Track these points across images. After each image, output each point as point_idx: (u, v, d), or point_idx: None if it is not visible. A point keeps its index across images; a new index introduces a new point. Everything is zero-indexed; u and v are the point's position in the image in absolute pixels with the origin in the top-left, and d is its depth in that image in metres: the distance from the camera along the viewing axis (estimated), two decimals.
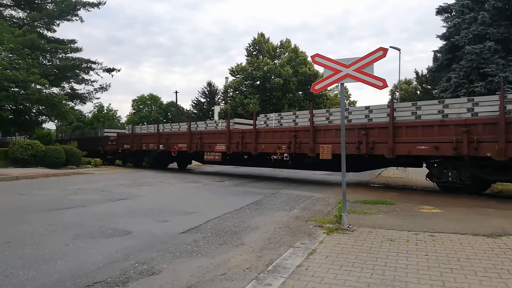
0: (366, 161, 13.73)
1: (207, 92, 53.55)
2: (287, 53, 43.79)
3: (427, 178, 12.91)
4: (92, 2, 29.02)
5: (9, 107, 23.20)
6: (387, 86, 6.77)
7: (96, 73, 31.27)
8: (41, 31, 29.45)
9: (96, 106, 43.04)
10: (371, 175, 18.85)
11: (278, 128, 15.54)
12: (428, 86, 36.10)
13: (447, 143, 11.15)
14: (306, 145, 14.26)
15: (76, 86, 31.52)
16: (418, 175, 19.17)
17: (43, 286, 3.89)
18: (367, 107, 13.13)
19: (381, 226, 6.81)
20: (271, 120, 16.10)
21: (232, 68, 43.97)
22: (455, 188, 11.95)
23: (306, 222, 7.32)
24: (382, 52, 6.67)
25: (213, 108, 49.88)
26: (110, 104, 76.20)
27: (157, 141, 21.21)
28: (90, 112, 42.98)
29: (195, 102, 54.08)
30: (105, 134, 27.60)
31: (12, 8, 28.43)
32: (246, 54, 44.85)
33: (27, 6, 28.87)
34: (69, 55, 30.16)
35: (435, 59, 25.56)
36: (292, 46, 44.25)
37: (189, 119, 20.24)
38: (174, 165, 24.27)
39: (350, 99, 62.19)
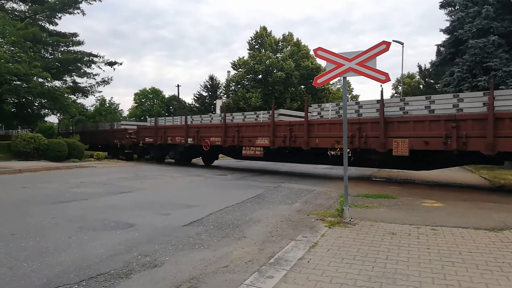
0: (453, 157, 12.07)
1: (209, 86, 53.54)
2: (289, 47, 43.59)
3: None
4: None
5: (12, 100, 23.23)
6: (390, 80, 6.75)
7: (98, 66, 31.22)
8: (42, 24, 29.36)
9: (98, 100, 43.02)
10: (373, 169, 18.82)
11: (336, 120, 13.60)
12: (431, 80, 35.97)
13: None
14: (374, 140, 12.53)
15: (78, 79, 31.49)
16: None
17: (47, 278, 3.92)
18: (455, 95, 11.63)
19: (382, 220, 6.82)
20: (327, 111, 14.18)
21: (234, 61, 43.82)
22: None
23: (308, 215, 7.34)
24: (385, 46, 6.64)
25: (215, 102, 49.93)
26: (112, 97, 75.92)
27: (185, 134, 19.48)
28: (92, 106, 43.02)
29: (197, 96, 54.11)
30: (122, 126, 26.29)
31: (14, 1, 28.31)
32: (248, 48, 44.67)
33: None
34: (71, 48, 30.10)
35: (438, 53, 25.49)
36: (295, 40, 44.02)
37: (224, 110, 18.44)
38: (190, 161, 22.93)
39: (352, 93, 62.09)
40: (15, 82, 21.23)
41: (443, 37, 23.91)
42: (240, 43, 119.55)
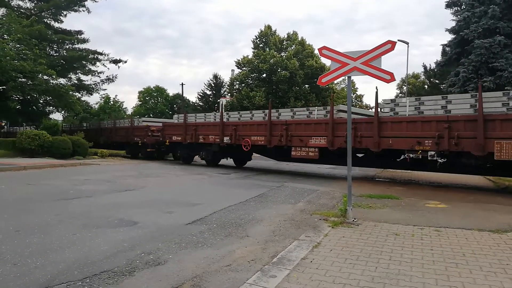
0: None
1: (213, 85, 53.53)
2: (294, 46, 43.54)
3: None
4: None
5: (17, 97, 23.37)
6: (395, 80, 6.72)
7: (103, 64, 31.37)
8: (48, 21, 29.51)
9: (103, 98, 43.12)
10: (376, 170, 18.77)
11: (417, 117, 11.88)
12: (436, 81, 35.77)
13: None
14: (469, 141, 10.79)
15: (82, 77, 31.68)
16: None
17: (51, 275, 3.94)
18: None
19: (386, 220, 6.81)
20: (403, 107, 12.33)
21: (238, 60, 43.84)
22: None
23: (311, 215, 7.33)
24: (390, 45, 6.61)
25: (218, 100, 49.92)
26: (116, 95, 76.25)
27: (220, 132, 17.67)
28: (96, 103, 43.13)
29: (201, 94, 54.10)
30: (144, 123, 24.63)
31: None
32: (253, 47, 44.68)
33: None
34: (76, 46, 30.22)
35: (444, 53, 25.32)
36: (299, 39, 43.97)
37: (270, 106, 16.48)
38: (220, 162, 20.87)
39: (357, 92, 61.89)
40: (20, 79, 21.34)
41: (449, 36, 23.73)
42: (245, 42, 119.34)
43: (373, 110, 13.65)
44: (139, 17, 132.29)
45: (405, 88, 38.37)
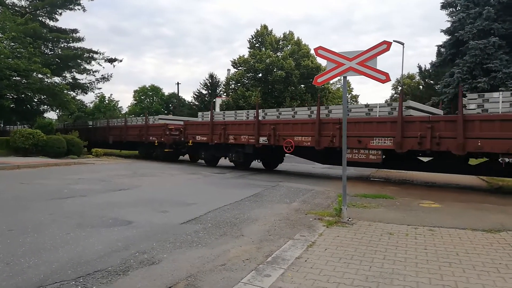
0: None
1: (209, 84, 53.54)
2: (290, 46, 43.57)
3: None
4: None
5: (11, 96, 23.18)
6: (390, 80, 6.74)
7: (98, 63, 31.16)
8: (43, 20, 29.29)
9: (98, 96, 42.97)
10: (371, 169, 18.84)
11: None
12: (431, 81, 35.98)
13: None
14: None
15: (77, 76, 31.40)
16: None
17: (44, 274, 3.92)
18: None
19: (380, 220, 6.83)
20: (495, 103, 10.53)
21: (235, 60, 43.81)
22: None
23: (306, 214, 7.34)
24: (385, 46, 6.63)
25: (214, 100, 49.91)
26: (111, 94, 75.93)
27: (255, 132, 15.90)
28: (91, 102, 42.98)
29: (197, 94, 54.11)
30: (160, 121, 22.74)
31: None
32: (249, 46, 44.66)
33: None
34: (71, 44, 30.01)
35: (439, 54, 25.50)
36: (295, 39, 44.02)
37: (318, 102, 14.81)
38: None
39: (352, 93, 62.16)
40: (14, 78, 21.20)
41: (444, 37, 23.97)
42: (241, 42, 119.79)
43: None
44: (136, 16, 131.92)
45: (400, 88, 38.51)
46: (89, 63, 30.83)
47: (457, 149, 10.90)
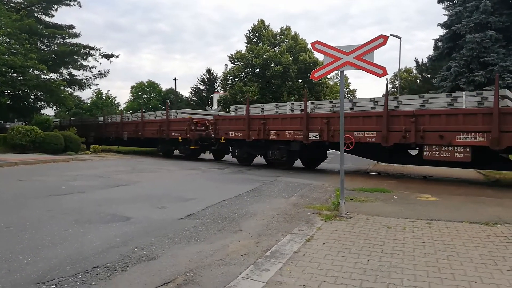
0: None
1: (206, 80, 53.43)
2: (287, 41, 43.48)
3: None
4: None
5: (7, 92, 23.07)
6: (387, 74, 6.75)
7: (95, 59, 31.07)
8: (38, 15, 29.11)
9: (95, 93, 42.84)
10: (369, 163, 18.88)
11: None
12: (428, 75, 36.00)
13: None
14: None
15: (74, 72, 31.31)
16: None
17: (42, 271, 3.92)
18: None
19: (378, 214, 6.86)
20: None
21: (232, 55, 43.70)
22: None
23: (304, 209, 7.36)
24: (382, 40, 6.63)
25: (212, 95, 49.81)
26: (109, 90, 75.58)
27: (303, 127, 14.21)
28: (88, 99, 42.85)
29: (194, 89, 54.01)
30: (183, 115, 20.94)
31: None
32: (246, 41, 44.54)
33: None
34: (67, 40, 29.88)
35: (436, 47, 25.47)
36: (292, 34, 43.92)
37: (386, 92, 13.53)
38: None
39: (349, 87, 62.11)
40: (10, 74, 21.12)
41: (441, 31, 23.91)
42: (239, 37, 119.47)
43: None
44: (132, 11, 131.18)
45: (397, 82, 38.53)
46: (86, 59, 30.76)
47: None
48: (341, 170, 7.04)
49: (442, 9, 24.03)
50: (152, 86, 63.34)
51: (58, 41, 29.48)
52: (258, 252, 4.64)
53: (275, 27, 46.51)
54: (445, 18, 23.17)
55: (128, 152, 26.67)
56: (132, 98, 63.59)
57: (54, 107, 32.10)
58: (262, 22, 43.99)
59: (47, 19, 29.96)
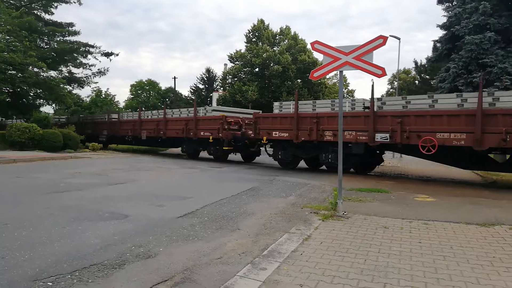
0: None
1: (205, 79, 53.37)
2: (286, 40, 43.50)
3: None
4: None
5: (7, 90, 23.04)
6: (386, 75, 6.77)
7: (94, 57, 31.04)
8: (38, 13, 29.02)
9: (94, 91, 42.75)
10: None
11: None
12: (427, 76, 36.05)
13: None
14: None
15: (74, 70, 31.24)
16: (412, 164, 19.29)
17: (40, 268, 3.92)
18: None
19: (375, 214, 6.87)
20: None
21: (231, 54, 43.71)
22: None
23: (302, 208, 7.37)
24: (382, 40, 6.64)
25: (211, 94, 49.79)
26: (108, 88, 75.42)
27: (369, 126, 12.51)
28: (88, 97, 42.75)
29: (194, 88, 53.94)
30: (214, 112, 19.38)
31: None
32: (246, 41, 44.54)
33: None
34: (67, 38, 29.79)
35: (435, 49, 25.49)
36: (292, 34, 43.93)
37: (480, 84, 11.19)
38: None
39: (348, 87, 62.12)
40: (10, 72, 21.06)
41: (440, 32, 23.91)
42: (238, 36, 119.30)
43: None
44: (132, 10, 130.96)
45: (396, 83, 38.57)
46: (85, 57, 30.71)
47: None
48: (339, 170, 7.06)
49: (442, 10, 24.05)
50: (152, 84, 63.36)
51: (58, 39, 29.40)
52: (255, 251, 4.65)
53: (275, 27, 46.55)
54: (445, 20, 23.18)
55: (127, 150, 26.65)
56: (132, 96, 63.61)
57: (53, 105, 32.04)
58: (261, 22, 43.99)
59: (47, 16, 29.91)
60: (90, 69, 31.60)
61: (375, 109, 12.57)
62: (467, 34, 20.35)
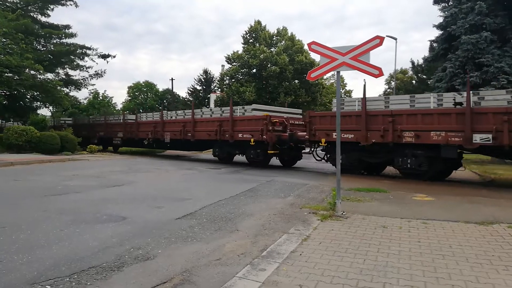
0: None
1: (203, 80, 53.34)
2: (283, 41, 43.47)
3: None
4: None
5: (3, 92, 23.00)
6: (383, 75, 6.77)
7: (91, 59, 30.97)
8: (34, 15, 28.95)
9: (92, 93, 42.70)
10: None
11: None
12: (424, 76, 36.15)
13: None
14: None
15: (71, 72, 31.17)
16: None
17: (38, 271, 3.90)
18: None
19: (374, 213, 6.87)
20: None
21: (229, 55, 43.66)
22: None
23: (301, 209, 7.37)
24: (378, 41, 6.65)
25: (209, 96, 49.77)
26: (105, 90, 75.48)
27: (467, 125, 10.82)
28: (85, 99, 42.73)
29: (191, 89, 53.91)
30: (255, 112, 17.29)
31: None
32: (243, 42, 44.52)
33: None
34: (64, 40, 29.73)
35: (431, 48, 25.57)
36: (289, 34, 43.92)
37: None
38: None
39: (346, 88, 62.22)
40: (6, 74, 21.00)
41: (436, 32, 23.99)
42: (236, 37, 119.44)
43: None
44: (129, 11, 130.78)
45: (393, 83, 38.65)
46: (82, 59, 30.66)
47: None
48: (337, 170, 7.06)
49: (438, 11, 24.14)
50: (149, 86, 63.34)
51: (55, 41, 29.34)
52: (254, 252, 4.64)
53: (272, 28, 46.60)
54: (441, 20, 23.25)
55: (125, 152, 26.59)
56: (129, 98, 63.56)
57: (50, 107, 31.95)
58: (258, 23, 43.97)
59: (43, 19, 29.82)
60: (87, 71, 31.58)
61: (473, 105, 10.97)
62: (463, 34, 20.42)
